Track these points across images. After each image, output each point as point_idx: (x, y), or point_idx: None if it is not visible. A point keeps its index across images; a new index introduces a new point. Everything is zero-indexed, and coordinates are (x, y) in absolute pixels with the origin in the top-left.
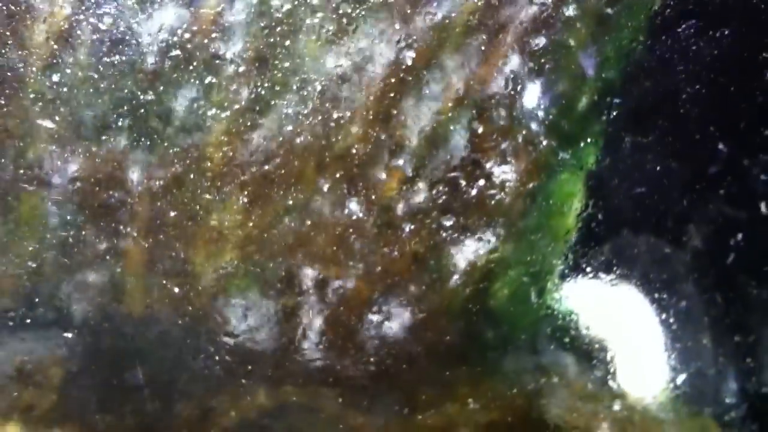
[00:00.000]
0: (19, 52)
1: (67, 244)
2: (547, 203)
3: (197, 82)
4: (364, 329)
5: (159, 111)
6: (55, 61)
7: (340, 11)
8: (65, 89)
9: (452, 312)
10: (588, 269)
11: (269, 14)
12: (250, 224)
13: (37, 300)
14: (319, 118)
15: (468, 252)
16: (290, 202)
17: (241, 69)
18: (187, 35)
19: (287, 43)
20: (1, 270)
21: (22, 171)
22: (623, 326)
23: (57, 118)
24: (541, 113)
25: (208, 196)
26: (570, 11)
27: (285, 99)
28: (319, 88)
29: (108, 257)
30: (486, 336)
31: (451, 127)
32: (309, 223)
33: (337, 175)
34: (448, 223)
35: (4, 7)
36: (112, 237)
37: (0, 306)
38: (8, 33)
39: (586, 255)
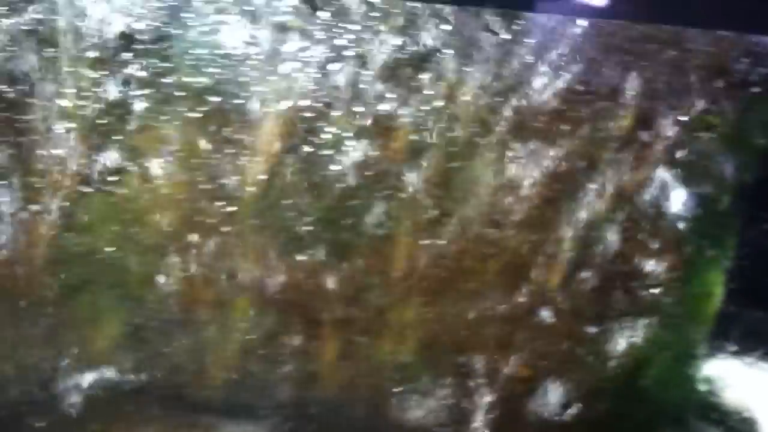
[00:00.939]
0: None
1: (272, 340)
2: (692, 291)
3: (386, 199)
4: (527, 408)
5: (353, 224)
6: (266, 191)
7: (507, 135)
8: (276, 211)
9: (605, 392)
10: (732, 349)
11: (451, 140)
12: (428, 319)
13: (246, 389)
14: (489, 223)
15: (622, 338)
16: (463, 299)
17: (425, 187)
18: (379, 160)
19: (463, 164)
20: (214, 365)
21: (236, 279)
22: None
23: (266, 235)
24: (685, 213)
25: (392, 296)
26: (709, 127)
27: (460, 210)
28: (488, 199)
29: (306, 351)
30: (637, 414)
31: (606, 228)
32: (480, 316)
33: (505, 274)
34: (604, 312)
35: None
36: (309, 334)
37: (215, 396)
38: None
39: (729, 335)
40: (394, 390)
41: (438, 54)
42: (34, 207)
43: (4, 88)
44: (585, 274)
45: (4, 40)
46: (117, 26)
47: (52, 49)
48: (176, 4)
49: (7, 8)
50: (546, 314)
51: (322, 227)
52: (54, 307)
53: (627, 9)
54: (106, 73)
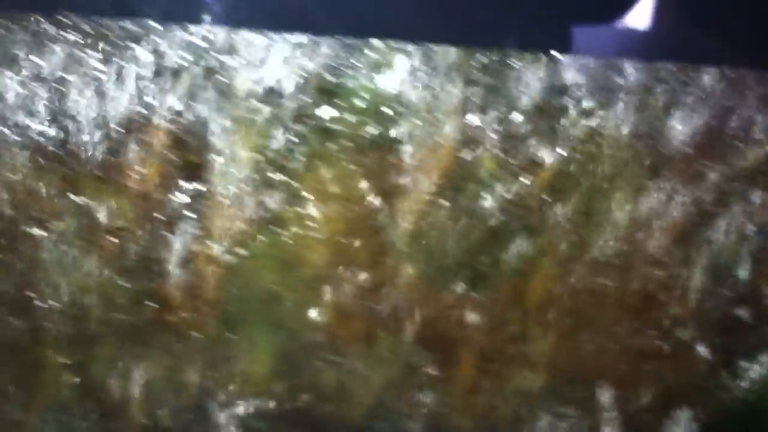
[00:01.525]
0: (389, 215)
1: (413, 370)
2: None
3: (526, 235)
4: None
5: (492, 260)
6: (418, 228)
7: (645, 175)
8: (425, 247)
9: (735, 416)
10: None
11: (593, 180)
12: (560, 350)
13: (387, 418)
14: (620, 259)
15: (752, 368)
16: (593, 332)
17: (566, 224)
18: (523, 197)
19: (603, 203)
20: (359, 394)
21: (389, 311)
22: None
23: (414, 270)
24: None
25: (527, 327)
26: None
27: (596, 245)
28: (622, 233)
29: (443, 381)
30: None
31: (735, 263)
32: (607, 348)
33: (638, 307)
34: (733, 343)
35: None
36: (445, 364)
37: (360, 424)
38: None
39: None
40: (528, 420)
41: (580, 97)
42: (204, 246)
43: (188, 135)
44: (716, 307)
45: (190, 84)
46: (290, 80)
47: (228, 94)
48: (338, 59)
49: (191, 57)
50: (675, 343)
51: (467, 262)
52: (216, 340)
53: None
54: (277, 117)
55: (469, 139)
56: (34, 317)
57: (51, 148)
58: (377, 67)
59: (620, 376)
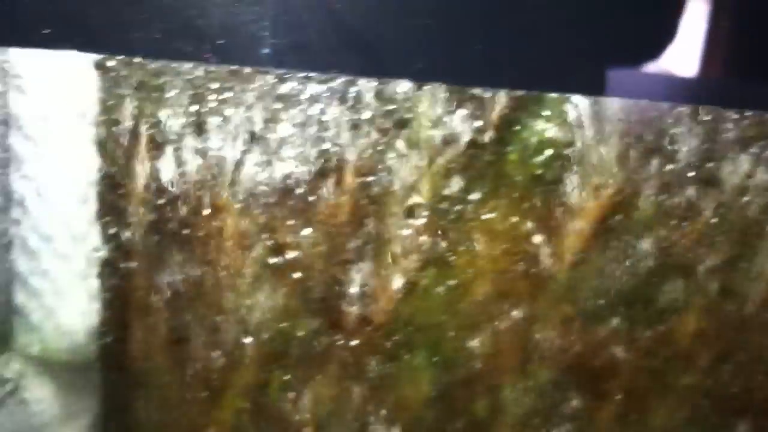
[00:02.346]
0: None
1: (560, 404)
2: None
3: (679, 278)
4: None
5: (645, 299)
6: (576, 268)
7: None
8: (582, 286)
9: None
10: None
11: (740, 229)
12: (707, 386)
13: None
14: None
15: None
16: (738, 367)
17: (712, 270)
18: (674, 244)
19: (748, 251)
20: (507, 425)
21: (544, 344)
22: None
23: (569, 308)
24: None
25: (676, 364)
26: None
27: (744, 290)
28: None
29: (589, 415)
30: None
31: None
32: (753, 382)
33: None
34: None
35: None
36: (590, 396)
37: None
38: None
39: None
40: None
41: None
42: (381, 279)
43: (374, 179)
44: None
45: (379, 132)
46: (468, 129)
47: (413, 143)
48: (513, 110)
49: (384, 107)
50: None
51: (620, 302)
52: (381, 366)
53: None
54: (454, 163)
55: (630, 183)
56: (221, 344)
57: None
58: (548, 117)
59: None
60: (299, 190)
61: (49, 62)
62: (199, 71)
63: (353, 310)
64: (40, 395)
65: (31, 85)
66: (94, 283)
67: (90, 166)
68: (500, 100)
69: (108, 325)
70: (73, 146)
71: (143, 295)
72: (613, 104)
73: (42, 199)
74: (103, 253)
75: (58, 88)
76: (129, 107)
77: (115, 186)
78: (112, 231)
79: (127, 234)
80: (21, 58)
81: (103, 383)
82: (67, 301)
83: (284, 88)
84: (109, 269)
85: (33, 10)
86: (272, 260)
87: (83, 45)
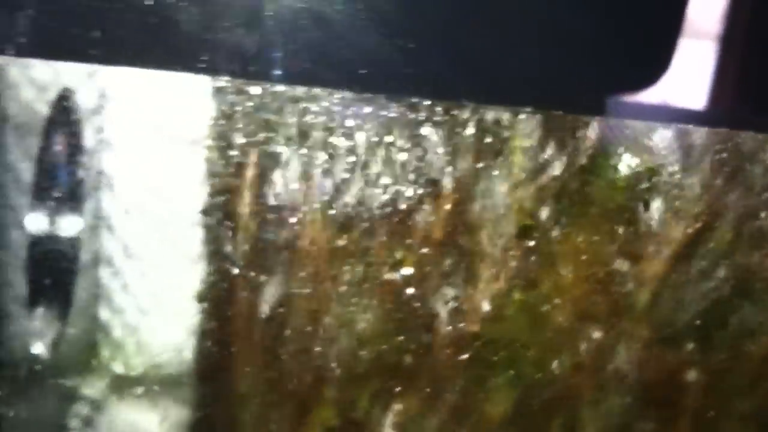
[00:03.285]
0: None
1: (633, 423)
2: None
3: (753, 302)
4: None
5: (720, 321)
6: (655, 293)
7: None
8: (659, 309)
9: None
10: None
11: None
12: None
13: None
14: None
15: None
16: None
17: None
18: (754, 267)
19: None
20: None
21: (619, 367)
22: None
23: (645, 330)
24: None
25: (745, 387)
26: None
27: None
28: None
29: None
30: None
31: None
32: None
33: None
34: None
35: None
36: (664, 418)
37: None
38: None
39: None
40: None
41: None
42: (469, 302)
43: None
44: None
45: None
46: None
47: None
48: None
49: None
50: None
51: (697, 325)
52: (464, 385)
53: None
54: (544, 191)
55: (710, 212)
56: (313, 361)
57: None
58: (634, 146)
59: None
60: (399, 212)
61: (163, 84)
62: (317, 96)
63: (443, 328)
64: (127, 414)
65: (138, 106)
66: (193, 304)
67: (197, 190)
68: (592, 127)
69: (207, 342)
70: (181, 169)
71: (244, 315)
72: (699, 133)
73: (145, 221)
74: (208, 274)
75: (170, 110)
76: (241, 132)
77: (223, 210)
78: (217, 253)
79: (232, 255)
80: (130, 78)
81: (195, 399)
82: (162, 320)
83: (392, 112)
84: (212, 290)
85: (141, 31)
86: (368, 280)
87: (198, 69)
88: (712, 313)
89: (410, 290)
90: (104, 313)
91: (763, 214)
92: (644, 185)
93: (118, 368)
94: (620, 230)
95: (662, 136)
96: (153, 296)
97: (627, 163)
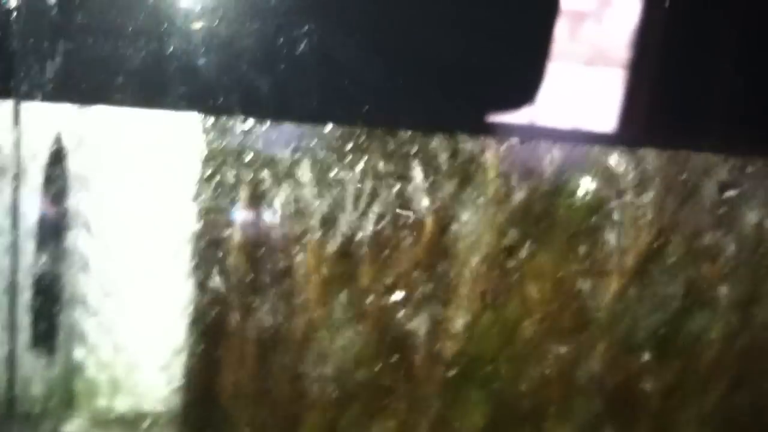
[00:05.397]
0: None
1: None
2: None
3: (704, 313)
4: None
5: (673, 334)
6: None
7: None
8: (621, 320)
9: None
10: None
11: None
12: (725, 407)
13: None
14: None
15: None
16: (755, 392)
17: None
18: (702, 280)
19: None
20: None
21: (584, 378)
22: None
23: (608, 341)
24: None
25: (698, 391)
26: None
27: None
28: None
29: None
30: None
31: None
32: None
33: None
34: None
35: None
36: (623, 425)
37: None
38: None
39: None
40: None
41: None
42: (445, 322)
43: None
44: None
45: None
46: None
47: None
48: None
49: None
50: None
51: (653, 335)
52: (439, 400)
53: None
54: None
55: (664, 228)
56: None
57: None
58: (593, 170)
59: None
60: (380, 240)
61: (146, 120)
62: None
63: (420, 348)
64: None
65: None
66: (178, 338)
67: (185, 219)
68: (554, 154)
69: (194, 376)
70: (171, 201)
71: (232, 348)
72: (652, 156)
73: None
74: (194, 307)
75: (160, 148)
76: (232, 167)
77: (211, 239)
78: (205, 283)
79: (219, 286)
80: (121, 117)
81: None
82: (148, 358)
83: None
84: (198, 323)
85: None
86: (352, 306)
87: (193, 105)
88: (666, 324)
89: (386, 312)
90: (79, 352)
91: (708, 233)
92: (602, 207)
93: (98, 406)
94: (581, 251)
95: (618, 159)
96: (133, 335)
97: (587, 188)
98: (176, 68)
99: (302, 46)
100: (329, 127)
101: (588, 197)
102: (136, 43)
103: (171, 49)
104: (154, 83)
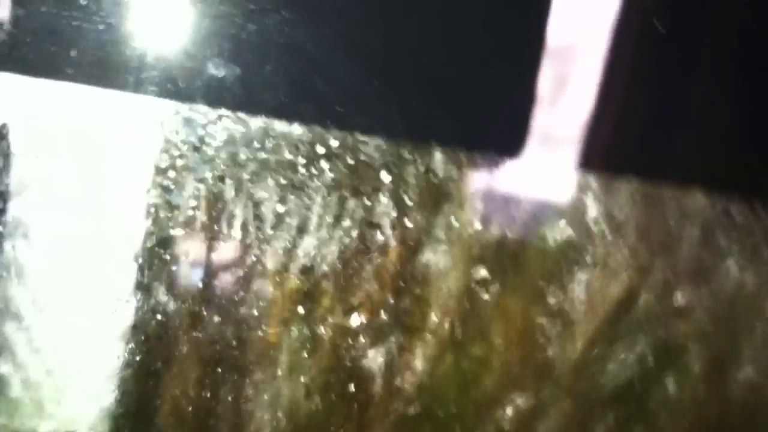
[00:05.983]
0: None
1: None
2: None
3: (674, 373)
4: None
5: (640, 396)
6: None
7: None
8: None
9: None
10: None
11: (727, 321)
12: None
13: None
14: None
15: None
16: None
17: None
18: (673, 338)
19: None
20: None
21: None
22: None
23: (572, 399)
24: None
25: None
26: None
27: (735, 381)
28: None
29: None
30: None
31: None
32: None
33: None
34: None
35: None
36: None
37: None
38: None
39: None
40: None
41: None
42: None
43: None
44: None
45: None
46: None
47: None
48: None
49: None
50: None
51: (617, 395)
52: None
53: None
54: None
55: (636, 278)
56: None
57: None
58: (564, 212)
59: None
60: (342, 263)
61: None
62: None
63: (376, 384)
64: None
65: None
66: (115, 359)
67: (136, 230)
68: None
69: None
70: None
71: (173, 374)
72: (626, 199)
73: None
74: (134, 325)
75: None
76: (189, 162)
77: (159, 241)
78: (149, 298)
79: (164, 300)
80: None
81: None
82: (78, 381)
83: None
84: (139, 345)
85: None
86: (306, 334)
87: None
88: (633, 385)
89: (344, 344)
90: (5, 368)
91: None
92: (573, 252)
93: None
94: (550, 296)
95: (592, 202)
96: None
97: (558, 230)
98: (136, 48)
99: (274, 35)
100: (296, 126)
101: (560, 241)
102: (94, 17)
103: (132, 26)
104: (111, 62)
